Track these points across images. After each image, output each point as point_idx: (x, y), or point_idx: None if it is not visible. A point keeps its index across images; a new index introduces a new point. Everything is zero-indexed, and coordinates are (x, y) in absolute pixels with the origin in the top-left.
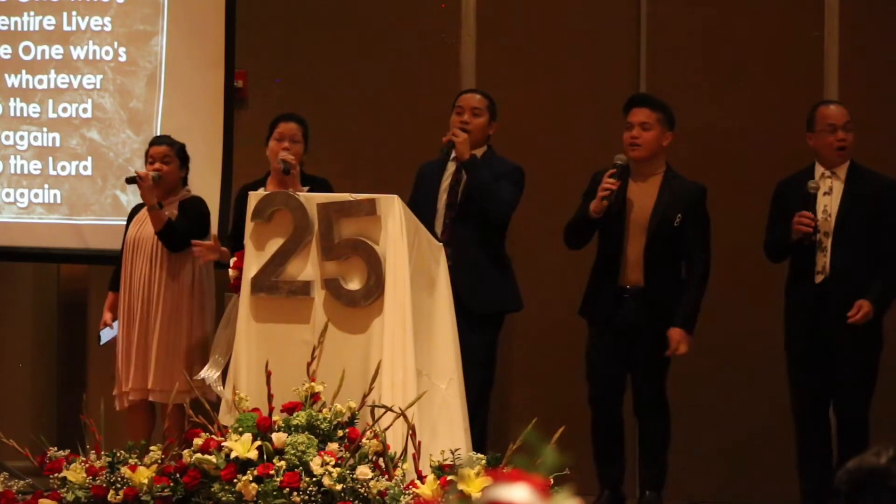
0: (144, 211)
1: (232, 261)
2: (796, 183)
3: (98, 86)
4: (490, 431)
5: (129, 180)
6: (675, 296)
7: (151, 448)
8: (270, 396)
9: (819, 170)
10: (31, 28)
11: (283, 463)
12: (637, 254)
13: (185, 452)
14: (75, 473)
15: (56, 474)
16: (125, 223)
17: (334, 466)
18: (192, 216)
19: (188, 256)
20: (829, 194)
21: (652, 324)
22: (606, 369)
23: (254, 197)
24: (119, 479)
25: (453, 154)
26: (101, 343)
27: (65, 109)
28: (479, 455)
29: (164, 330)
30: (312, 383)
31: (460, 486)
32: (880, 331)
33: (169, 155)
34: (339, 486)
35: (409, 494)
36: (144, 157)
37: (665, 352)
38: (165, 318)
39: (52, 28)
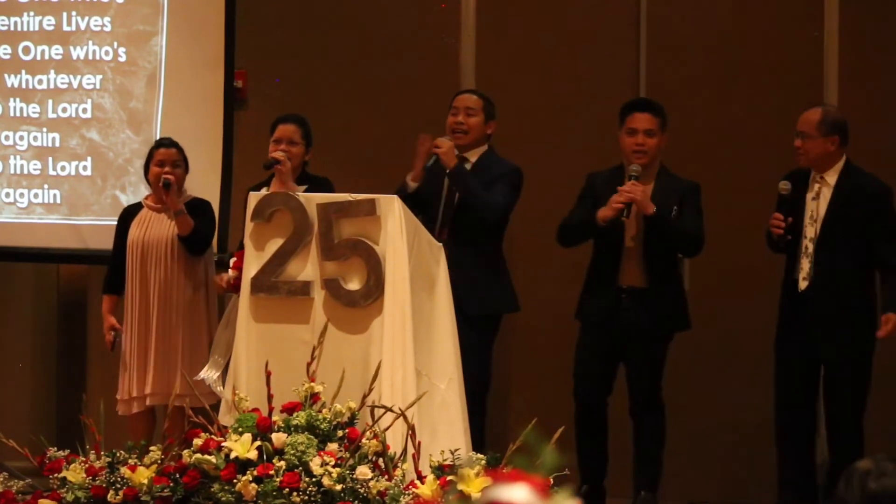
0: (146, 213)
1: (232, 261)
2: (794, 180)
3: (98, 86)
4: (489, 432)
5: (166, 184)
6: (672, 296)
7: (151, 448)
8: (270, 397)
9: (812, 173)
10: (31, 28)
11: (282, 463)
12: (636, 255)
13: (185, 452)
14: (75, 474)
15: (56, 474)
16: (117, 223)
17: (334, 467)
18: (207, 218)
19: (202, 259)
20: (816, 199)
21: (649, 324)
22: (596, 367)
23: (253, 197)
24: (119, 479)
25: (435, 163)
26: (114, 350)
27: (64, 109)
28: (479, 455)
29: (187, 333)
30: (312, 383)
31: (460, 487)
32: (871, 335)
33: (178, 159)
34: (338, 487)
35: (408, 495)
36: (147, 160)
37: (661, 351)
38: (187, 321)
39: (51, 28)
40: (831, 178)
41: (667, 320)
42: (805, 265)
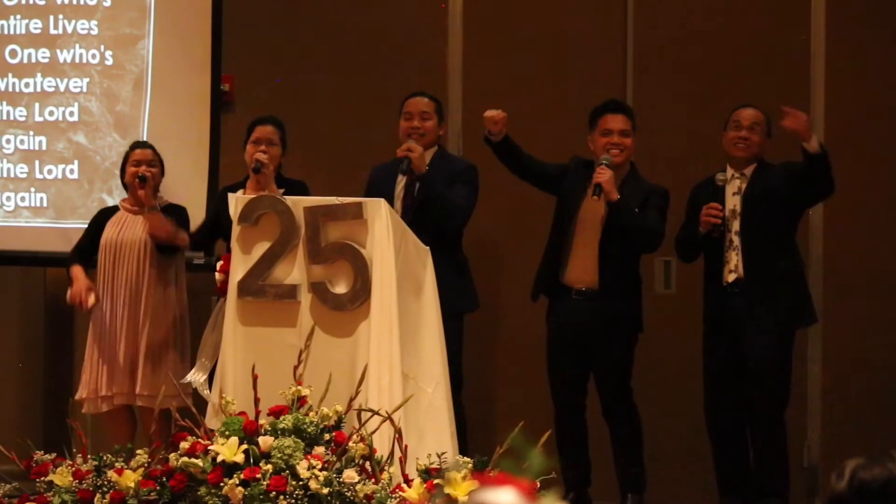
0: (122, 214)
1: (219, 264)
2: (707, 185)
3: (84, 89)
4: (475, 436)
5: (142, 178)
6: (629, 297)
7: (138, 452)
8: (257, 400)
9: (729, 171)
10: (18, 31)
11: (269, 466)
12: (591, 254)
13: (172, 456)
14: (62, 477)
15: (42, 478)
16: (92, 220)
17: (321, 470)
18: (182, 222)
19: (173, 260)
20: (738, 194)
21: (606, 326)
22: (564, 367)
23: (240, 200)
24: (105, 482)
25: (408, 167)
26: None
27: (51, 113)
28: (466, 459)
29: (153, 334)
30: (299, 387)
31: (447, 490)
32: (791, 329)
33: (154, 159)
34: (325, 490)
35: (395, 498)
36: (123, 161)
37: (622, 356)
38: (154, 322)
39: (38, 31)
40: (749, 172)
41: (620, 321)
42: (733, 258)
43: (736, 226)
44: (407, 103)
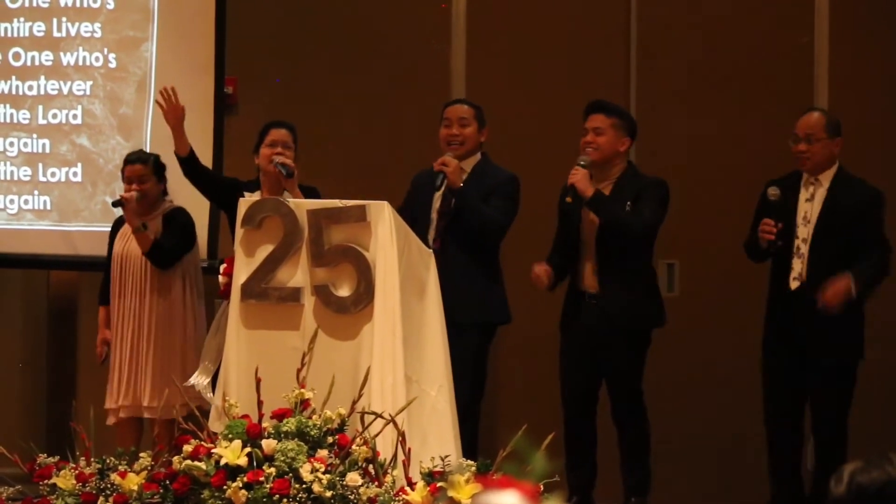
0: (128, 226)
1: (222, 267)
2: (783, 185)
3: (88, 92)
4: (480, 439)
5: (116, 204)
6: (633, 299)
7: (141, 455)
8: (260, 403)
9: (805, 175)
10: (21, 34)
11: (272, 470)
12: (592, 258)
13: (175, 459)
14: (65, 480)
15: (46, 481)
16: (109, 234)
17: (324, 473)
18: (177, 230)
19: (178, 270)
20: (810, 201)
21: (613, 329)
22: (575, 374)
23: (243, 203)
24: (109, 485)
25: (446, 182)
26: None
27: (55, 116)
28: (469, 462)
29: (157, 347)
30: (302, 390)
31: (450, 493)
32: (858, 339)
33: (145, 173)
34: (328, 493)
35: (398, 501)
36: (121, 176)
37: (629, 358)
38: (158, 335)
39: (41, 34)
40: (826, 180)
41: (621, 324)
42: (797, 265)
43: (804, 233)
44: (446, 110)
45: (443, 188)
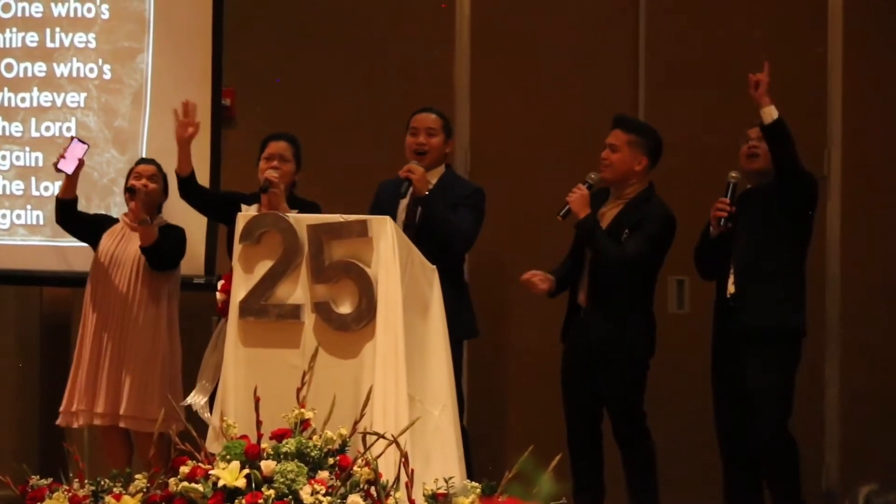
0: (120, 226)
1: (220, 284)
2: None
3: (82, 104)
4: (481, 460)
5: (128, 190)
6: (623, 321)
7: (136, 476)
8: (259, 423)
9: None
10: (14, 45)
11: (272, 492)
12: (587, 274)
13: (172, 481)
14: (58, 502)
15: (39, 503)
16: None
17: (325, 495)
18: (172, 240)
19: (166, 279)
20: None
21: (605, 351)
22: (575, 392)
23: (241, 218)
24: None
25: (411, 190)
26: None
27: (48, 128)
28: (474, 483)
29: (141, 353)
30: (302, 409)
31: None
32: (796, 343)
33: (156, 175)
34: None
35: None
36: (126, 177)
37: (630, 382)
38: (142, 341)
39: (35, 45)
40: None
41: (616, 345)
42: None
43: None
44: (413, 119)
45: (408, 197)
